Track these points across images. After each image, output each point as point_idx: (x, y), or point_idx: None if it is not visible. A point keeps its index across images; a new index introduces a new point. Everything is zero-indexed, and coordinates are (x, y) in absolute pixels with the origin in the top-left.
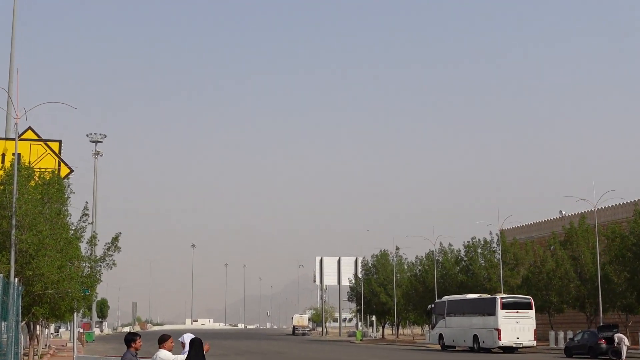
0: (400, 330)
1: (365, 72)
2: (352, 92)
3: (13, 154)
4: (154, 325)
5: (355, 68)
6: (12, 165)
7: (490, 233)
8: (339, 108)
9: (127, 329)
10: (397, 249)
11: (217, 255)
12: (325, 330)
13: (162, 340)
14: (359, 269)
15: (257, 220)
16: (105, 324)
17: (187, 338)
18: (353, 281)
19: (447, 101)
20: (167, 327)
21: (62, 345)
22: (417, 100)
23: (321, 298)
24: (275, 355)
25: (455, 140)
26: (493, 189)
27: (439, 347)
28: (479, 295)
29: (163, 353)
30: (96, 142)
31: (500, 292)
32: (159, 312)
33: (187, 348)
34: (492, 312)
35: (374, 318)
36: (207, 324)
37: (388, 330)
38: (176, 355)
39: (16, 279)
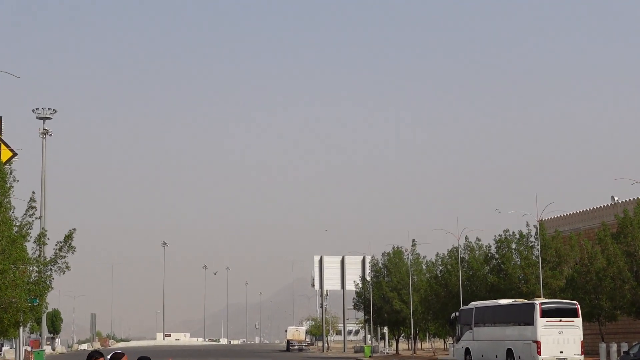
0: (418, 344)
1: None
2: (357, 62)
3: None
4: (118, 341)
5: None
6: None
7: (527, 225)
8: (339, 75)
9: (84, 347)
10: (414, 245)
11: (194, 256)
12: (326, 345)
13: (115, 358)
14: (367, 270)
15: (242, 214)
16: (58, 340)
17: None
18: (360, 285)
19: (474, 73)
20: (133, 343)
21: None
22: (435, 72)
23: (321, 306)
24: None
25: (483, 113)
26: (530, 172)
27: None
28: (513, 300)
29: None
30: (44, 118)
31: (540, 297)
32: (123, 325)
33: None
34: (530, 321)
35: (385, 330)
36: (182, 339)
37: (403, 345)
38: None
39: None
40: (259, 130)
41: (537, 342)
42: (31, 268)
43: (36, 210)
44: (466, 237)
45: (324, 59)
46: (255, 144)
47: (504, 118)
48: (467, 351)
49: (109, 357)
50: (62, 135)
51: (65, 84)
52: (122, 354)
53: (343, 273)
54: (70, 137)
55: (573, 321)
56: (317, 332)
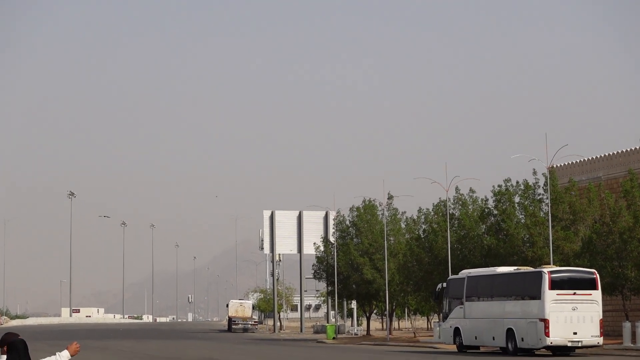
0: (395, 323)
1: None
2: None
3: None
4: (12, 318)
5: None
6: None
7: (535, 173)
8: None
9: None
10: (390, 198)
11: (109, 211)
12: (279, 324)
13: (3, 342)
14: (331, 230)
15: (172, 157)
16: None
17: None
18: (322, 248)
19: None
20: (31, 321)
21: None
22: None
23: (272, 275)
24: None
25: (481, 35)
26: (539, 108)
27: (454, 347)
28: (515, 268)
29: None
30: None
31: (549, 264)
32: (20, 298)
33: None
34: (536, 294)
35: (353, 305)
36: (95, 315)
37: (376, 323)
38: None
39: None
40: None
41: (545, 321)
42: None
43: None
44: (457, 189)
45: None
46: (191, 69)
47: (507, 41)
48: (457, 331)
49: None
50: None
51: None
52: (15, 335)
53: (300, 233)
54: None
55: (590, 294)
56: (266, 308)
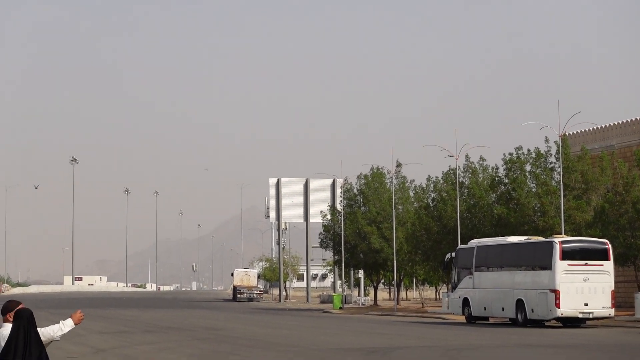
0: (403, 293)
1: None
2: None
3: None
4: (14, 286)
5: None
6: None
7: (546, 141)
8: None
9: None
10: (399, 166)
11: (113, 177)
12: (285, 293)
13: (8, 309)
14: (338, 198)
15: (176, 123)
16: None
17: None
18: (328, 216)
19: None
20: (33, 289)
21: None
22: None
23: (278, 243)
24: (208, 334)
25: (493, 0)
26: (550, 73)
27: (462, 318)
28: (526, 238)
29: (5, 328)
30: None
31: (560, 234)
32: (21, 266)
33: None
34: (547, 265)
35: (361, 274)
36: (97, 284)
37: (383, 293)
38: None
39: None
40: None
41: (556, 292)
42: None
43: None
44: (467, 156)
45: None
46: (195, 32)
47: (520, 6)
48: (466, 302)
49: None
50: None
51: None
52: (18, 303)
53: (307, 201)
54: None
55: (602, 265)
56: (272, 277)
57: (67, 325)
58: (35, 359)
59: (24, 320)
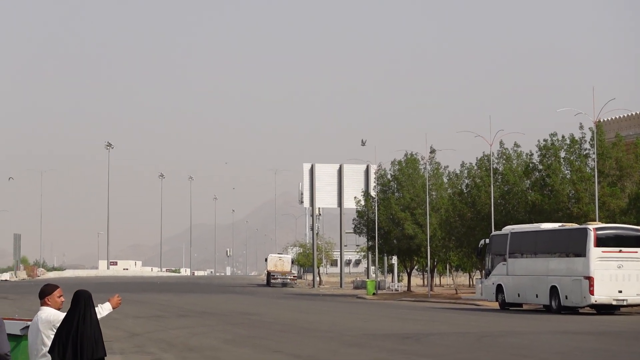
0: (436, 279)
1: None
2: None
3: None
4: (49, 270)
5: None
6: None
7: (581, 127)
8: None
9: (6, 276)
10: (433, 152)
11: (147, 163)
12: (318, 278)
13: (45, 293)
14: (372, 184)
15: (210, 109)
16: None
17: None
18: (362, 202)
19: None
20: (69, 273)
21: None
22: None
23: (312, 229)
24: (241, 318)
25: None
26: (585, 59)
27: (496, 305)
28: (560, 225)
29: (47, 312)
30: None
31: (595, 221)
32: (56, 250)
33: None
34: (581, 252)
35: (394, 260)
36: (132, 268)
37: (417, 279)
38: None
39: None
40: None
41: (590, 279)
42: None
43: None
44: (501, 143)
45: None
46: (227, 26)
47: None
48: (499, 288)
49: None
50: None
51: None
52: (55, 287)
53: (341, 187)
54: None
55: (636, 252)
56: (306, 263)
57: (105, 308)
58: (93, 342)
59: (83, 303)
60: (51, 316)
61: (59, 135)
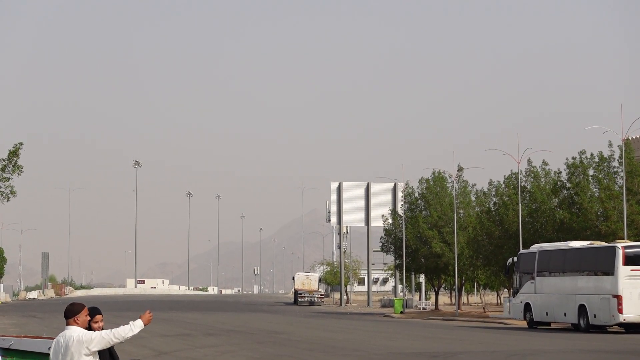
0: (464, 298)
1: None
2: None
3: None
4: (77, 288)
5: None
6: None
7: (610, 145)
8: None
9: (35, 295)
10: (460, 170)
11: (175, 181)
12: (346, 297)
13: (74, 312)
14: (400, 202)
15: (238, 127)
16: (0, 286)
17: None
18: (390, 220)
19: None
20: (96, 291)
21: None
22: None
23: (339, 247)
24: (269, 337)
25: (552, 6)
26: (613, 76)
27: (524, 323)
28: (588, 243)
29: (78, 332)
30: None
31: (623, 239)
32: (84, 268)
33: None
34: (610, 270)
35: (422, 279)
36: (160, 287)
37: (444, 298)
38: (95, 333)
39: None
40: (261, 31)
41: (618, 297)
42: None
43: None
44: (529, 161)
45: None
46: (256, 44)
47: (581, 9)
48: (527, 307)
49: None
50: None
51: None
52: (82, 306)
53: (368, 205)
54: (16, 13)
55: None
56: (333, 281)
57: (137, 326)
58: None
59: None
60: (83, 336)
61: (86, 153)
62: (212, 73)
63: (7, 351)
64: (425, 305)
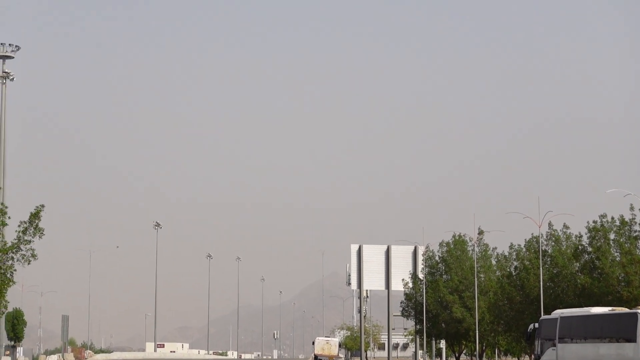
0: None
1: None
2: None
3: None
4: (97, 352)
5: None
6: None
7: (632, 208)
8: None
9: (54, 358)
10: (481, 233)
11: (195, 243)
12: None
13: None
14: (420, 265)
15: (258, 190)
16: (20, 349)
17: None
18: (410, 284)
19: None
20: (116, 355)
21: None
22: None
23: (359, 311)
24: None
25: (572, 74)
26: (634, 135)
27: None
28: (610, 309)
29: None
30: (4, 57)
31: None
32: (104, 331)
33: None
34: (632, 337)
35: (442, 344)
36: (179, 350)
37: None
38: None
39: None
40: (278, 97)
41: None
42: None
43: None
44: (550, 224)
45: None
46: (277, 109)
47: (601, 72)
48: None
49: None
50: (26, 81)
51: (30, 17)
52: None
53: (388, 268)
54: (37, 84)
55: None
56: (353, 346)
57: None
58: None
59: None
60: None
61: (106, 215)
62: (231, 140)
63: None
64: None
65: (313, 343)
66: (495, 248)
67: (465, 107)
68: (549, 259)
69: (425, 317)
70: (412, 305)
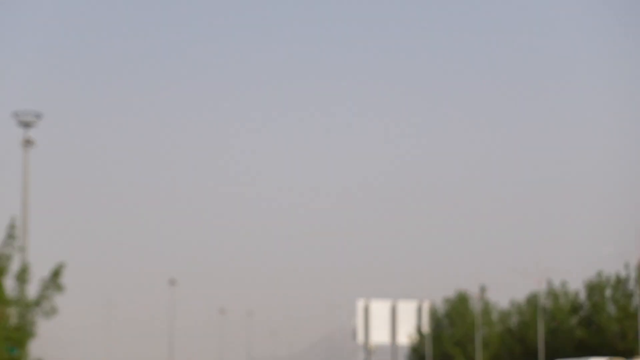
0: None
1: None
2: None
3: None
4: None
5: None
6: None
7: (627, 267)
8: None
9: None
10: (483, 290)
11: (209, 298)
12: None
13: None
14: (425, 320)
15: (268, 247)
16: None
17: None
18: (416, 338)
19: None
20: None
21: None
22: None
23: None
24: None
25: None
26: (631, 193)
27: None
28: (607, 358)
29: None
30: (27, 124)
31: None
32: None
33: None
34: None
35: None
36: None
37: None
38: None
39: None
40: (286, 153)
41: None
42: (10, 310)
43: (16, 239)
44: (548, 280)
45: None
46: (282, 166)
47: (599, 128)
48: None
49: None
50: (48, 148)
51: (52, 83)
52: None
53: (394, 323)
54: (58, 150)
55: None
56: None
57: None
58: None
59: None
60: None
61: (121, 271)
62: (242, 197)
63: None
64: None
65: None
66: (498, 302)
67: (465, 164)
68: (548, 314)
69: None
70: (418, 358)
